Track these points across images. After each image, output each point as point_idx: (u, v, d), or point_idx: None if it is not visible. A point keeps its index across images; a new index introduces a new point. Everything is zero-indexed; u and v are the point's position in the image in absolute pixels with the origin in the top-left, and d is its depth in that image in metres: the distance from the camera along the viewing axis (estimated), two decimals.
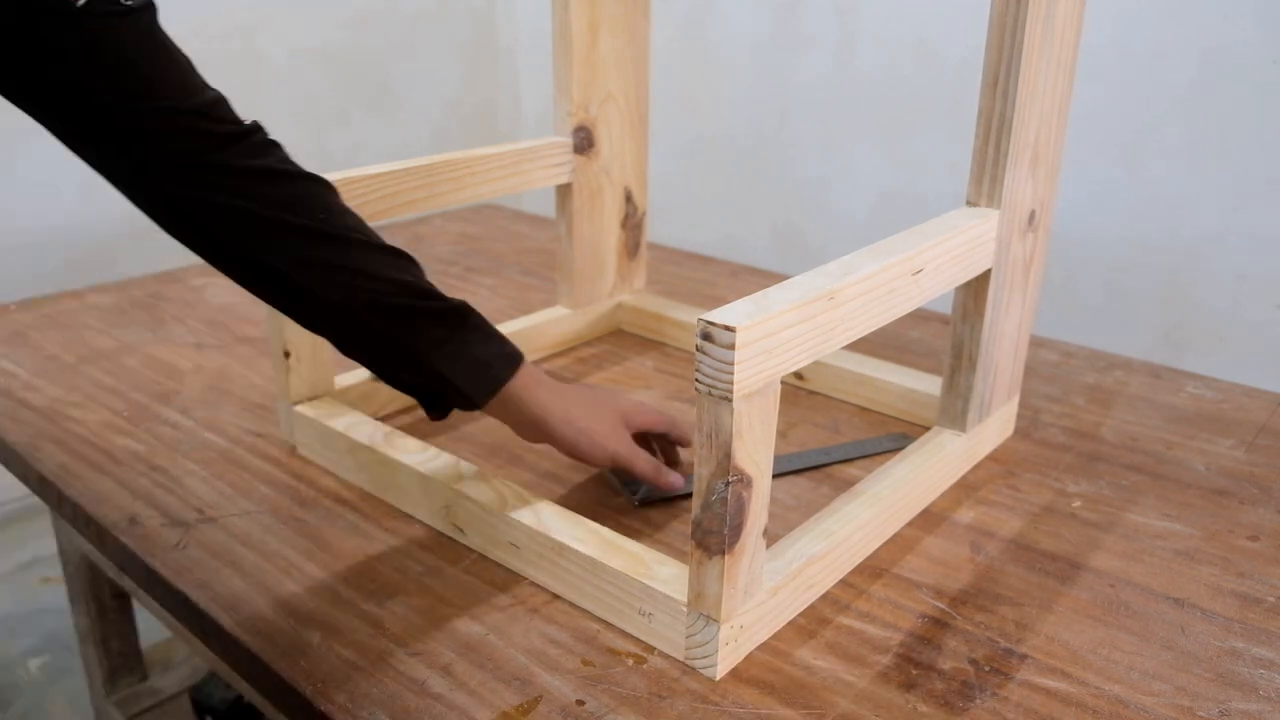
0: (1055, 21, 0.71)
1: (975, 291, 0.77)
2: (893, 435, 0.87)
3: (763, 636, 0.63)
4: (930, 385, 0.91)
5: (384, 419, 0.89)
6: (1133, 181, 1.38)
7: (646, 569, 0.63)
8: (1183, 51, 1.30)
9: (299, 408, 0.85)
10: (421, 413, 0.93)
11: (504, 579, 0.70)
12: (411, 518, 0.77)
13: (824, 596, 0.68)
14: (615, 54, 1.01)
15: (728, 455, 0.54)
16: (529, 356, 1.04)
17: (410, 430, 0.84)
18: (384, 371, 0.74)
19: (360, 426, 0.81)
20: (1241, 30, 1.25)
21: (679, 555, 0.68)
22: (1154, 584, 0.69)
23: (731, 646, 0.60)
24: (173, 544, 0.73)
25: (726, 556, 0.56)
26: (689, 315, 1.08)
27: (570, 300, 1.08)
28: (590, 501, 0.79)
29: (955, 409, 0.81)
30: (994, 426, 0.86)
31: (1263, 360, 1.33)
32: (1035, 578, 0.70)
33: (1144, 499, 0.80)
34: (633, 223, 1.11)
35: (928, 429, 0.87)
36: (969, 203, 0.75)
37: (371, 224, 0.73)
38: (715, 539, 0.56)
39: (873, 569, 0.71)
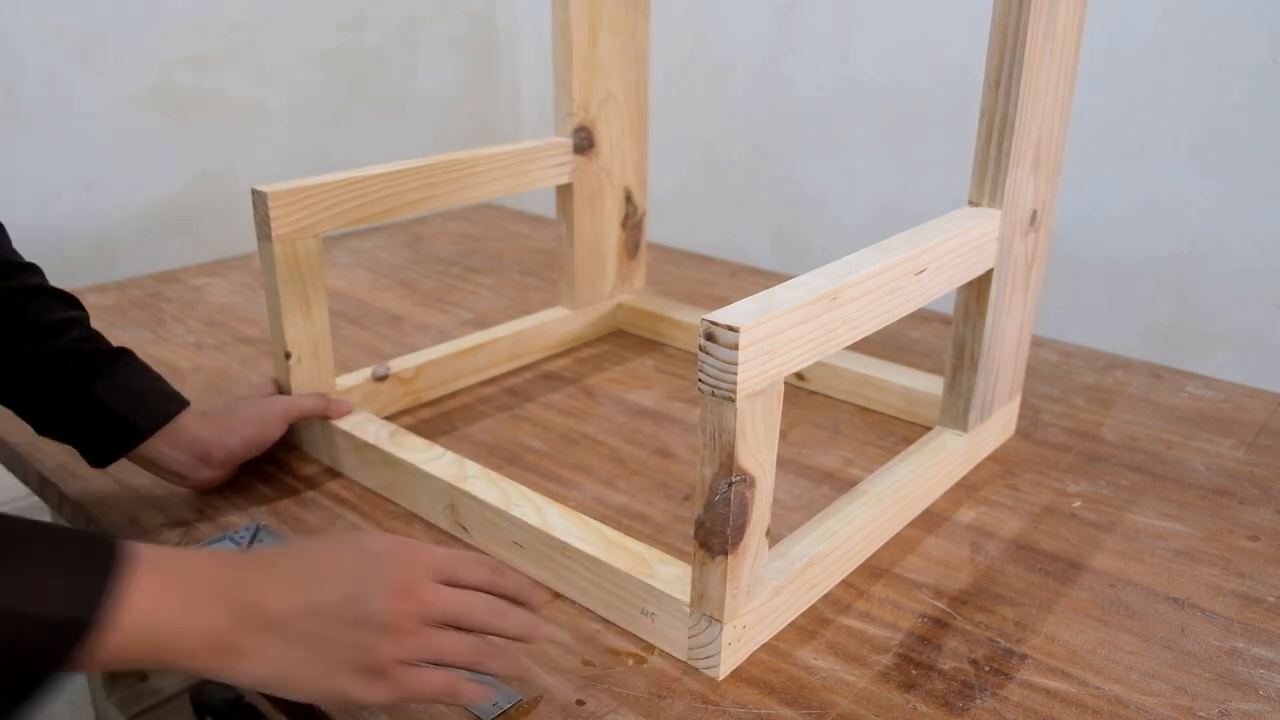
0: (1057, 22, 0.71)
1: (977, 291, 0.77)
2: None
3: (765, 637, 0.63)
4: (931, 385, 0.91)
5: (385, 419, 0.89)
6: (1133, 181, 1.39)
7: (649, 569, 0.63)
8: (1183, 51, 1.30)
9: None
10: (424, 414, 0.93)
11: None
12: (412, 518, 0.77)
13: (825, 597, 0.68)
14: (615, 54, 1.01)
15: (731, 455, 0.54)
16: (530, 357, 1.04)
17: (414, 430, 0.84)
18: (42, 415, 0.71)
19: (365, 425, 0.81)
20: (1242, 30, 1.25)
21: (682, 555, 0.68)
22: (1154, 584, 0.69)
23: (734, 647, 0.60)
24: (173, 544, 0.73)
25: (729, 557, 0.56)
26: (689, 315, 1.08)
27: (570, 300, 1.08)
28: (593, 501, 0.79)
29: (957, 409, 0.81)
30: (995, 426, 0.86)
31: (1263, 360, 1.33)
32: (1035, 578, 0.70)
33: (1144, 499, 0.80)
34: (633, 223, 1.11)
35: (929, 429, 0.87)
36: (971, 203, 0.75)
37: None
38: (718, 539, 0.56)
39: (873, 569, 0.71)
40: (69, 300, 0.73)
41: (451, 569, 0.51)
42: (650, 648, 0.63)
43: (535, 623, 0.53)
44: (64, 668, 0.39)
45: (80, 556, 0.41)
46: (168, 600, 0.43)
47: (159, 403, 0.74)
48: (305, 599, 0.46)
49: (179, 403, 0.75)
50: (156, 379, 0.76)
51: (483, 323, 1.14)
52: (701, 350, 0.53)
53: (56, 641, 0.39)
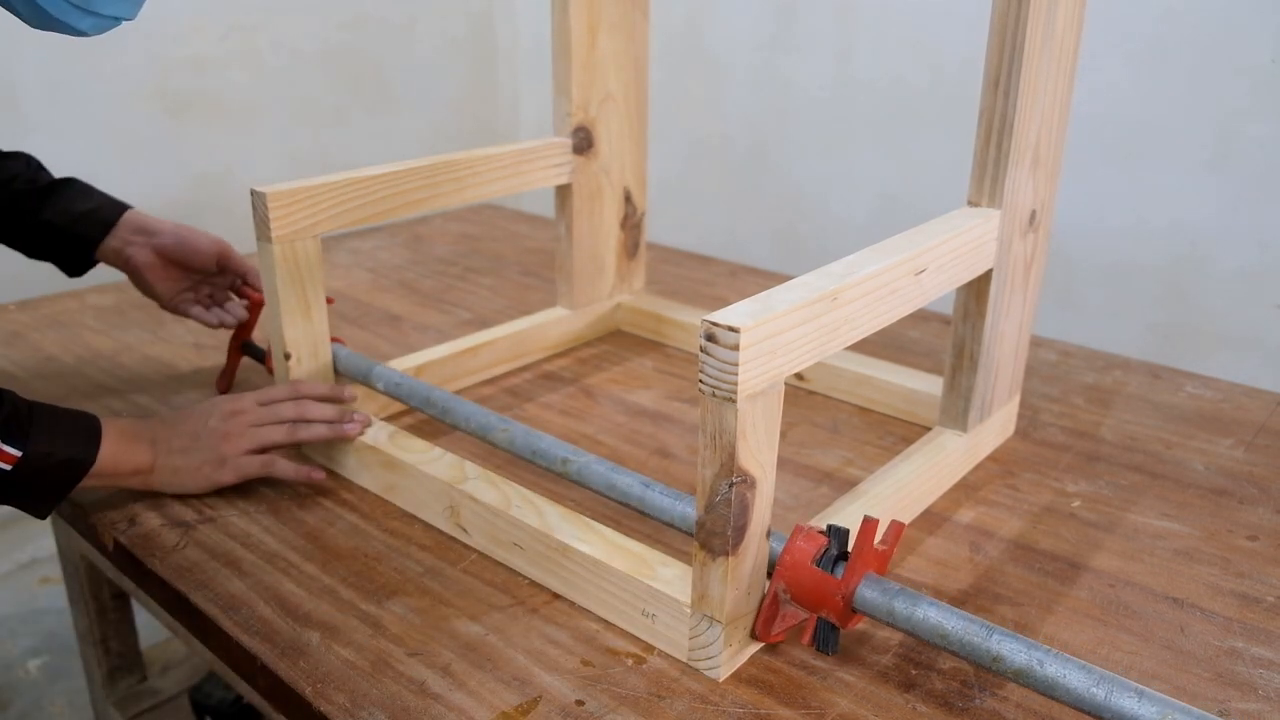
0: (1056, 22, 0.71)
1: (976, 291, 0.77)
2: None
3: None
4: (930, 385, 0.91)
5: (384, 420, 0.89)
6: (1133, 182, 1.39)
7: (650, 570, 0.63)
8: (1183, 52, 1.30)
9: None
10: (423, 414, 0.93)
11: (503, 579, 0.70)
12: (411, 518, 0.77)
13: None
14: (614, 54, 1.01)
15: (731, 456, 0.54)
16: (530, 357, 1.05)
17: (414, 432, 0.84)
18: (17, 244, 0.95)
19: None
20: (1242, 31, 1.25)
21: (682, 556, 0.68)
22: (1153, 584, 0.69)
23: (735, 648, 0.60)
24: (172, 544, 0.73)
25: (730, 558, 0.57)
26: (688, 316, 1.08)
27: (570, 300, 1.08)
28: (593, 502, 0.79)
29: (956, 409, 0.81)
30: (994, 426, 0.86)
31: (1262, 360, 1.33)
32: (1035, 578, 0.70)
33: (1143, 499, 0.80)
34: (632, 223, 1.11)
35: (928, 429, 0.87)
36: (970, 203, 0.75)
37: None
38: (719, 540, 0.56)
39: None
40: (13, 156, 0.94)
41: (267, 395, 0.80)
42: (650, 648, 0.63)
43: (331, 410, 0.81)
44: (75, 485, 0.72)
45: (80, 426, 0.73)
46: (119, 447, 0.74)
47: (102, 214, 0.94)
48: (180, 435, 0.77)
49: (119, 209, 0.95)
50: (94, 199, 0.95)
51: (482, 323, 1.14)
52: (702, 351, 0.53)
53: (74, 470, 0.72)
